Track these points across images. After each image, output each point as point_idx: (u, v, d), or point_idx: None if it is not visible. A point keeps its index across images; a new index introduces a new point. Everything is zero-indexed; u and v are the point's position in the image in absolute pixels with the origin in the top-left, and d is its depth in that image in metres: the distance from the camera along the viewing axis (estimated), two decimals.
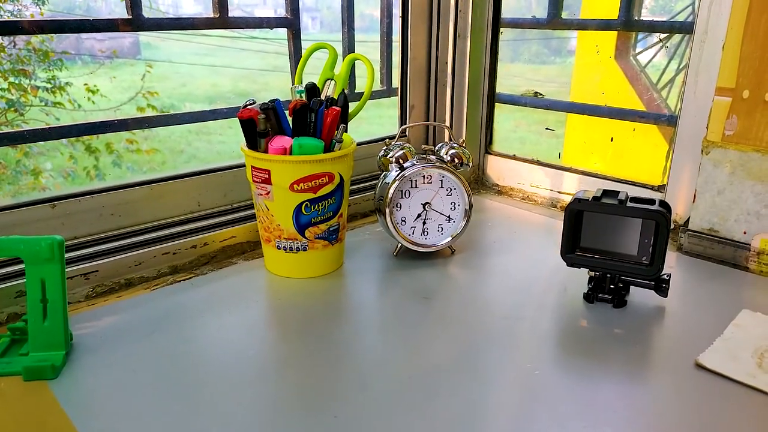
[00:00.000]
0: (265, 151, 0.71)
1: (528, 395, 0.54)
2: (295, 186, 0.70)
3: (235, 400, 0.53)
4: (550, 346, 0.63)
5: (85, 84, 3.44)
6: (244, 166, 0.82)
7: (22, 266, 0.65)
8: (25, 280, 0.56)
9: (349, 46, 1.02)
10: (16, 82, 3.07)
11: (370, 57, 0.80)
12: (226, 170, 0.86)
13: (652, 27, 1.14)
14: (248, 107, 0.72)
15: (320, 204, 0.72)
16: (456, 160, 0.81)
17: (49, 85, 3.27)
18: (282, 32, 0.96)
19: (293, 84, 0.80)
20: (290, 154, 0.70)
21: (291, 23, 0.95)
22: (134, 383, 0.55)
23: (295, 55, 0.95)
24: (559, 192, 1.02)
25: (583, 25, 1.16)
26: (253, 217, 0.83)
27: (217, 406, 0.52)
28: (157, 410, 0.51)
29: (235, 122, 0.73)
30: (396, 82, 1.10)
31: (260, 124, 0.71)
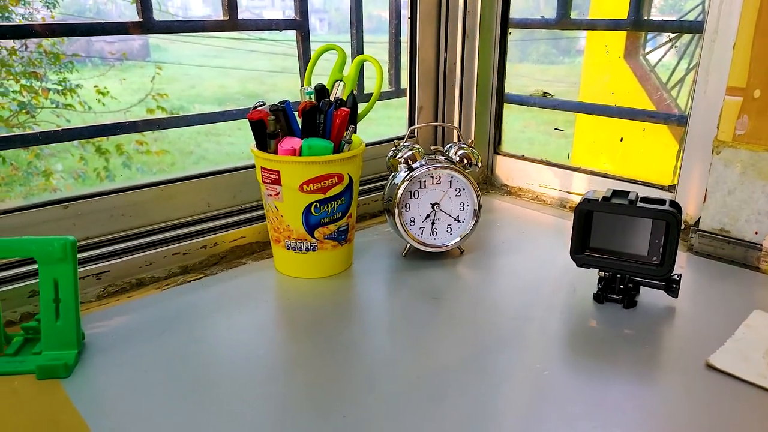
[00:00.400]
0: (275, 152, 0.72)
1: (537, 395, 0.54)
2: (305, 187, 0.71)
3: (245, 399, 0.53)
4: (560, 347, 0.62)
5: (96, 86, 3.48)
6: (254, 167, 0.82)
7: (35, 266, 0.66)
8: (38, 280, 0.57)
9: (358, 48, 1.02)
10: (28, 84, 3.10)
11: (378, 58, 0.80)
12: (236, 171, 0.86)
13: (661, 27, 1.13)
14: (258, 108, 0.72)
15: (329, 204, 0.73)
16: (465, 161, 0.81)
17: (59, 87, 3.30)
18: (290, 34, 0.96)
19: (302, 85, 0.80)
20: (300, 155, 0.70)
21: (300, 25, 0.95)
22: (145, 383, 0.55)
23: (304, 56, 0.95)
24: (568, 192, 1.02)
25: (592, 25, 1.15)
26: (262, 217, 0.84)
27: (227, 405, 0.52)
28: (168, 410, 0.52)
29: (244, 123, 0.74)
30: (404, 83, 1.10)
31: (270, 126, 0.71)
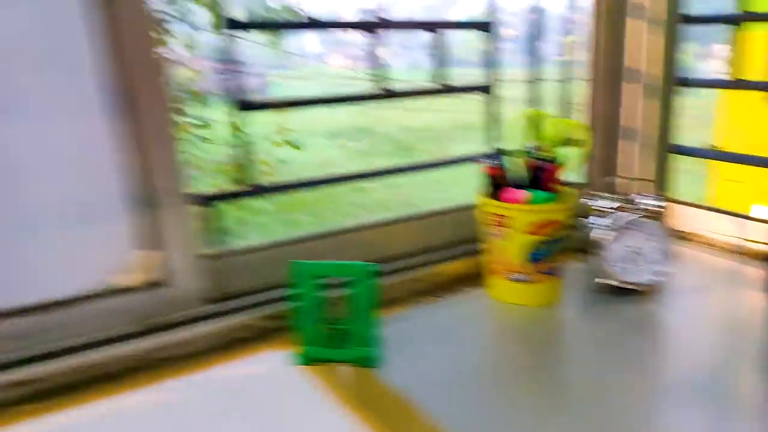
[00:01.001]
0: (499, 200, 0.88)
1: None
2: (531, 230, 0.86)
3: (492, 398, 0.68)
4: (758, 389, 0.71)
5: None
6: (467, 209, 1.00)
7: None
8: (333, 294, 0.76)
9: (537, 101, 1.17)
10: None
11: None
12: (452, 213, 1.05)
13: None
14: (489, 165, 0.90)
15: (549, 245, 0.88)
16: (656, 209, 0.94)
17: (198, 122, 3.74)
18: None
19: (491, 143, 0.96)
20: (526, 203, 0.87)
21: (487, 89, 1.13)
22: (427, 375, 0.73)
23: (489, 113, 1.11)
24: (745, 240, 1.09)
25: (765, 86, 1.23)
26: (473, 252, 1.00)
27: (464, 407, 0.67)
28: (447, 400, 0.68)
29: None
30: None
31: (502, 180, 0.88)
